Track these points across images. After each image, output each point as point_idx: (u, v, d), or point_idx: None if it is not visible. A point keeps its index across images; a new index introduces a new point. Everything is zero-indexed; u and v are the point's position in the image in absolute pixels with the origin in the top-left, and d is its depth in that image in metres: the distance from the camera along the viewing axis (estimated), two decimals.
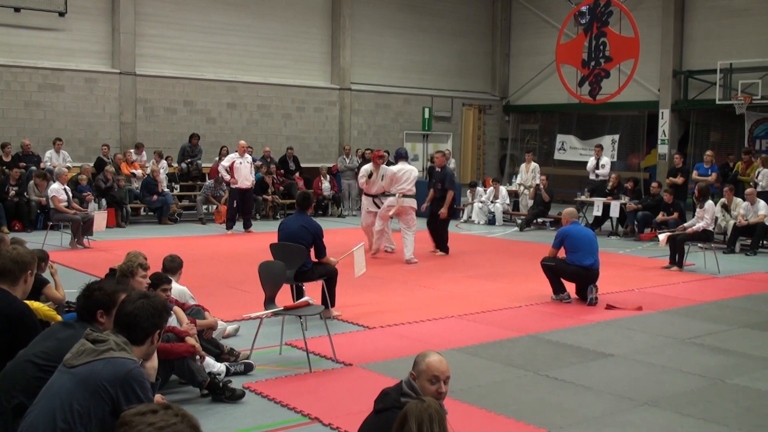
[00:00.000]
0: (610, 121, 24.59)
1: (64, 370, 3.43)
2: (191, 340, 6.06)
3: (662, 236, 12.98)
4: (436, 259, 13.50)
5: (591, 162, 19.05)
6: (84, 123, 19.40)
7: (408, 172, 13.27)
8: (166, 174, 19.12)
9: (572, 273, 9.83)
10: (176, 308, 6.43)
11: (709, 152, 17.93)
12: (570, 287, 9.99)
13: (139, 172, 18.35)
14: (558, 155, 24.99)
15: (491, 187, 19.86)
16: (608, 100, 21.73)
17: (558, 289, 9.93)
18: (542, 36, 25.78)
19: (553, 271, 9.91)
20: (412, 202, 13.22)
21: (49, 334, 4.16)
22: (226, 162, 16.71)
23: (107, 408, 3.31)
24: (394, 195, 13.20)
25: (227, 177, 16.64)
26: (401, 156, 13.77)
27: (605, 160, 18.90)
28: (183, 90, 20.87)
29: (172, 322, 6.26)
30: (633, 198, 17.19)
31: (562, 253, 10.03)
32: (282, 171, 20.68)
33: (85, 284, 4.19)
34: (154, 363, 3.87)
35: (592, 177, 18.82)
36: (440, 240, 13.88)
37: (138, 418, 2.31)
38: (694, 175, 17.43)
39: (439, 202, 13.64)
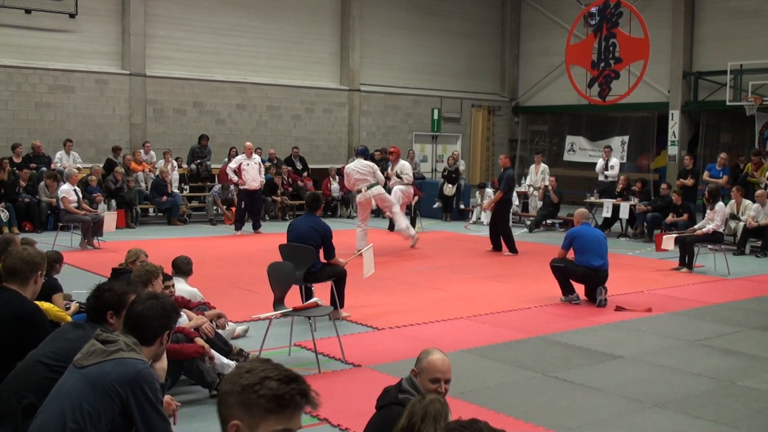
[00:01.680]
0: (619, 122, 24.52)
1: (74, 370, 3.44)
2: (201, 341, 6.07)
3: (667, 242, 12.93)
4: (444, 260, 13.49)
5: (600, 163, 19.01)
6: (94, 124, 19.46)
7: (364, 167, 13.73)
8: (184, 175, 19.22)
9: (581, 274, 9.81)
10: (184, 309, 6.45)
11: (723, 155, 17.84)
12: (579, 289, 9.98)
13: (146, 170, 18.42)
14: (567, 156, 24.91)
15: None
16: (618, 101, 21.65)
17: (567, 290, 9.92)
18: (552, 37, 25.74)
19: (562, 272, 9.89)
20: (378, 189, 13.75)
21: (59, 334, 4.17)
22: (233, 164, 16.76)
23: (117, 408, 3.32)
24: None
25: (235, 178, 16.69)
26: (361, 153, 14.37)
27: (614, 161, 18.85)
28: (192, 91, 20.92)
29: (181, 321, 6.28)
30: (642, 199, 17.15)
31: (571, 255, 10.02)
32: (292, 171, 20.70)
33: (95, 285, 4.20)
34: (163, 364, 3.87)
35: (601, 178, 18.78)
36: (497, 240, 14.47)
37: (235, 370, 2.33)
38: (706, 176, 17.36)
39: (498, 203, 14.44)
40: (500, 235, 14.42)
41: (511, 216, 18.71)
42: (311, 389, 2.27)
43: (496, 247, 14.44)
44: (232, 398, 2.21)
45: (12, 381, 3.93)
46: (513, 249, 14.27)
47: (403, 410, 3.77)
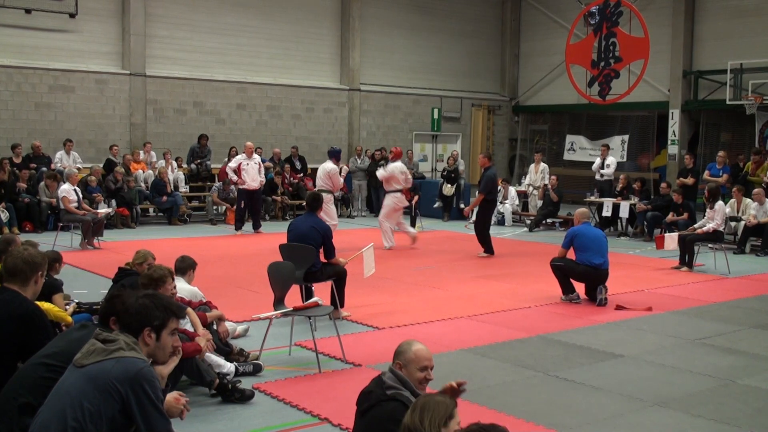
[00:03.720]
0: (619, 121, 24.52)
1: (74, 369, 3.45)
2: (201, 341, 6.07)
3: (669, 241, 12.93)
4: (444, 259, 13.47)
5: (597, 161, 19.02)
6: (94, 124, 19.47)
7: (323, 168, 14.42)
8: (184, 175, 19.23)
9: (581, 272, 9.81)
10: (189, 310, 6.44)
11: (721, 153, 17.82)
12: (579, 288, 9.98)
13: (147, 172, 18.42)
14: (567, 156, 24.93)
15: (500, 188, 19.82)
16: (618, 100, 21.65)
17: (567, 289, 9.92)
18: (552, 36, 25.74)
19: (563, 270, 9.89)
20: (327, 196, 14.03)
21: (64, 335, 4.22)
22: (233, 163, 16.75)
23: (117, 407, 3.33)
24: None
25: (234, 178, 16.67)
26: (332, 155, 14.74)
27: (610, 160, 18.83)
28: (193, 91, 20.92)
29: (186, 326, 6.27)
30: (642, 198, 17.15)
31: (571, 255, 10.03)
32: (295, 172, 20.69)
33: (112, 291, 4.25)
34: (164, 370, 3.84)
35: (597, 177, 18.79)
36: (480, 241, 13.91)
37: None
38: (706, 175, 17.35)
39: (480, 205, 13.85)
40: (478, 235, 13.88)
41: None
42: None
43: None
44: None
45: (14, 380, 3.96)
46: (489, 250, 13.80)
47: (397, 405, 3.76)
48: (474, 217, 19.35)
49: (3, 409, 3.83)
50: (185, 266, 7.31)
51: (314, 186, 20.13)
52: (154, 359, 3.68)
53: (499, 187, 19.83)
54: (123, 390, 3.32)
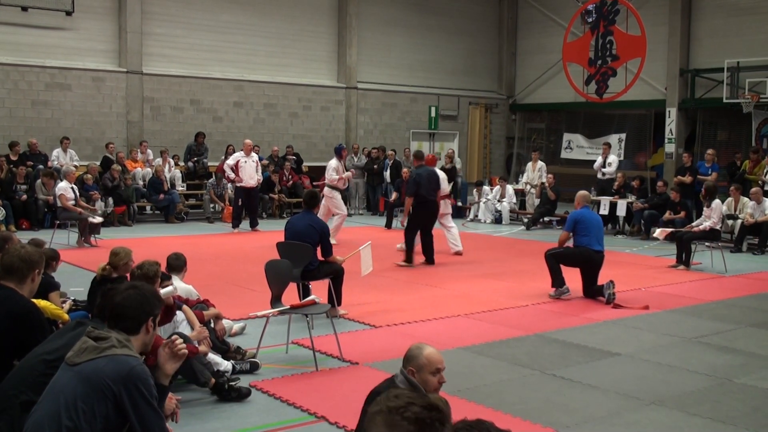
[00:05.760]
0: (616, 119, 24.52)
1: (67, 368, 3.44)
2: (198, 335, 6.05)
3: (658, 231, 13.07)
4: (441, 257, 13.44)
5: (599, 160, 19.02)
6: (91, 122, 19.44)
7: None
8: (181, 173, 19.20)
9: (580, 255, 9.87)
10: (185, 308, 6.43)
11: (710, 151, 17.84)
12: (571, 284, 9.98)
13: (144, 170, 18.40)
14: (565, 154, 24.94)
15: (498, 186, 19.87)
16: (615, 98, 21.67)
17: (558, 282, 9.93)
18: (549, 35, 25.73)
19: (558, 258, 9.91)
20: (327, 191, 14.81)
21: (62, 332, 4.20)
22: (231, 161, 16.73)
23: (110, 405, 3.32)
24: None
25: (232, 176, 16.64)
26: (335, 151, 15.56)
27: (612, 159, 18.86)
28: (190, 89, 20.89)
29: (182, 324, 6.26)
30: (639, 197, 17.17)
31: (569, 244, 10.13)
32: (294, 170, 20.69)
33: (109, 285, 4.25)
34: (169, 370, 3.81)
35: (599, 176, 18.79)
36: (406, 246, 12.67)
37: (385, 394, 2.49)
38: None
39: (413, 207, 12.74)
40: (422, 242, 12.69)
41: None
42: (449, 419, 2.48)
43: (428, 260, 12.69)
44: (380, 417, 2.39)
45: (13, 377, 3.95)
46: (409, 259, 12.51)
47: None
48: (473, 215, 19.57)
49: (4, 407, 3.82)
50: (180, 264, 7.30)
51: (311, 184, 20.26)
52: (145, 350, 3.68)
53: (496, 186, 19.85)
54: (116, 389, 3.32)
